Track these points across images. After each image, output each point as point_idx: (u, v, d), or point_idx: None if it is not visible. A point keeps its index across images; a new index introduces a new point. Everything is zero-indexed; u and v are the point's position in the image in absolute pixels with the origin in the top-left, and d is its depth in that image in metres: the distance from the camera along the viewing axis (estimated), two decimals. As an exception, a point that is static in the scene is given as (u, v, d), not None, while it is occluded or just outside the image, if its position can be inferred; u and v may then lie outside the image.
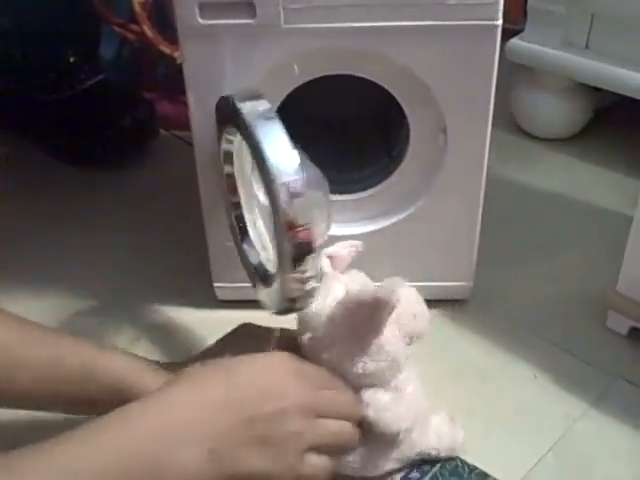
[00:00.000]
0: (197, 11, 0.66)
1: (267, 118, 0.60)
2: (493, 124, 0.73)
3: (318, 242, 0.61)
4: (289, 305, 0.62)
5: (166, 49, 1.07)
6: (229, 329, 0.70)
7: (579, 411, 0.73)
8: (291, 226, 0.58)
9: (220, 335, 0.70)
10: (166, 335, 0.83)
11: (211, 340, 0.71)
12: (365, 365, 0.60)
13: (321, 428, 0.57)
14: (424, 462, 0.68)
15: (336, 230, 0.79)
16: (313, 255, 0.60)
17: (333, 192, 0.79)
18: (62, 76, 1.08)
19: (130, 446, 0.50)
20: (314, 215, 0.60)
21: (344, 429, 0.60)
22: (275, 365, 0.58)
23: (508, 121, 1.12)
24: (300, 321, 0.62)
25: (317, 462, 0.57)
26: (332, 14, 0.66)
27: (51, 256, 0.94)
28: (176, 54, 1.08)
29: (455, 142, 0.73)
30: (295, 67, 0.69)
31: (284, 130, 0.59)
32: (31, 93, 1.08)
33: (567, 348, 0.79)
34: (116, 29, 1.11)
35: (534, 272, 0.89)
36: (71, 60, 1.08)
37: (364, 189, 0.79)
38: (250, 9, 0.66)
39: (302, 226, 0.58)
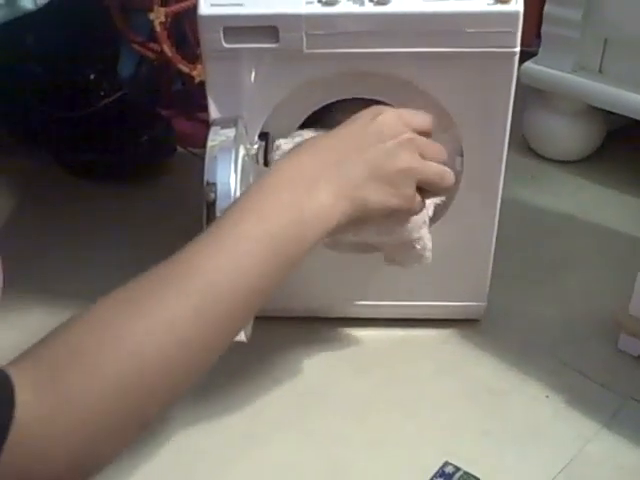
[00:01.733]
0: (222, 35, 0.67)
1: (222, 147, 0.64)
2: (505, 146, 0.74)
3: None
4: None
5: (185, 68, 1.09)
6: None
7: (591, 432, 0.73)
8: None
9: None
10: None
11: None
12: None
13: (427, 166, 0.64)
14: (438, 477, 0.69)
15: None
16: None
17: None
18: (82, 93, 1.10)
19: (273, 209, 0.56)
20: None
21: (445, 170, 0.66)
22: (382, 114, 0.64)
23: (520, 143, 1.13)
24: None
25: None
26: (353, 40, 0.68)
27: (65, 270, 0.95)
28: (194, 73, 1.09)
29: (471, 165, 0.74)
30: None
31: (232, 163, 0.62)
32: (51, 109, 1.10)
33: (579, 369, 0.80)
34: (135, 47, 1.13)
35: (546, 293, 0.90)
36: (91, 77, 1.09)
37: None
38: (273, 34, 0.67)
39: None
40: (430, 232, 0.73)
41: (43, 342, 0.49)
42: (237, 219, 0.55)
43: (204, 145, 0.75)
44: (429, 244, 0.74)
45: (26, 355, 0.48)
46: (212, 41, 0.68)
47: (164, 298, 0.51)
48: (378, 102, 0.71)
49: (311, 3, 0.67)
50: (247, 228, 0.55)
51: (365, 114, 0.64)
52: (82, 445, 0.47)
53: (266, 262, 0.55)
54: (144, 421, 0.51)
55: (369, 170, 0.61)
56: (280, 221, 0.56)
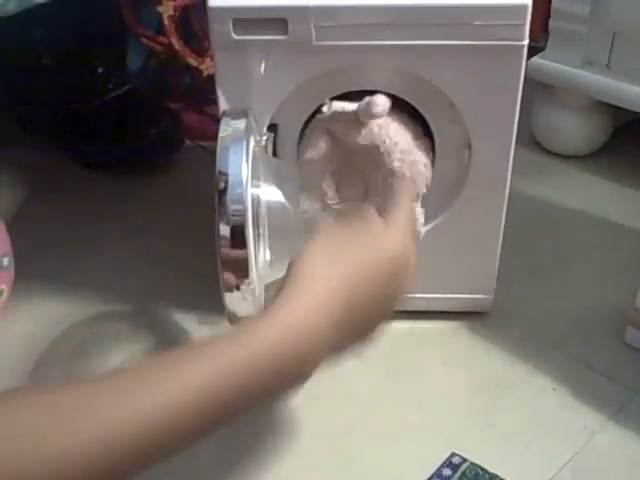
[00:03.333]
0: (231, 27, 0.67)
1: (234, 138, 0.64)
2: (513, 140, 0.74)
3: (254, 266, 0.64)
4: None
5: (193, 61, 1.09)
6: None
7: (598, 424, 0.73)
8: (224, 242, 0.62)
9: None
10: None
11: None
12: None
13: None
14: (445, 467, 0.69)
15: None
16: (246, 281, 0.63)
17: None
18: (90, 86, 1.10)
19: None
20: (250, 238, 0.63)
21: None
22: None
23: (528, 137, 1.13)
24: None
25: None
26: (362, 32, 0.68)
27: (71, 263, 0.95)
28: (202, 66, 1.10)
29: (479, 158, 0.74)
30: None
31: (244, 153, 0.63)
32: (59, 102, 1.10)
33: (586, 362, 0.80)
34: (144, 41, 1.13)
35: (553, 286, 0.90)
36: (99, 71, 1.10)
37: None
38: (282, 26, 0.67)
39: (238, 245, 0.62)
40: (422, 207, 0.76)
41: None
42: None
43: (212, 138, 0.76)
44: (421, 219, 0.75)
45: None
46: (221, 33, 0.68)
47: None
48: (385, 94, 0.71)
49: (320, -5, 0.67)
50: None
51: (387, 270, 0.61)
52: None
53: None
54: None
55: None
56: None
